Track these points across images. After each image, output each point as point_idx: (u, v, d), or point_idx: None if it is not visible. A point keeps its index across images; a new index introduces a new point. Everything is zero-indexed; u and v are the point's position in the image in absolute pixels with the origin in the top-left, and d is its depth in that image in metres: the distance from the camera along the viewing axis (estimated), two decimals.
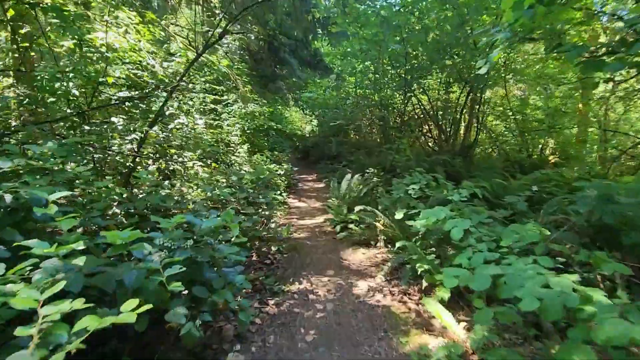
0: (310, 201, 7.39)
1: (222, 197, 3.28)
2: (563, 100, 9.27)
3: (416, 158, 7.35)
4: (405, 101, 9.31)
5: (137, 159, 3.75)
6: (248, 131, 8.21)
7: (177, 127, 6.51)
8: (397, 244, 3.24)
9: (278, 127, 9.37)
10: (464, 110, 8.85)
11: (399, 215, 3.65)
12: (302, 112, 15.92)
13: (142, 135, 3.89)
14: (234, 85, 8.14)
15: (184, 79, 4.45)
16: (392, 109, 12.18)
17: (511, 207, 4.29)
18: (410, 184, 5.11)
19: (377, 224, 4.30)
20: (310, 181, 9.73)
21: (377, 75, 10.16)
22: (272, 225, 3.55)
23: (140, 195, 3.07)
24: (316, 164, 11.94)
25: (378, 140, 13.81)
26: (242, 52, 11.71)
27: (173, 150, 5.03)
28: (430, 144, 9.96)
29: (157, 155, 4.68)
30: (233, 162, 6.12)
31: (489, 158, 9.10)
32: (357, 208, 4.04)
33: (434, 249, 3.50)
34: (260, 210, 3.56)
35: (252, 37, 9.73)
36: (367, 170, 7.37)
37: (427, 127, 10.44)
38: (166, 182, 4.05)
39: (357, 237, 4.53)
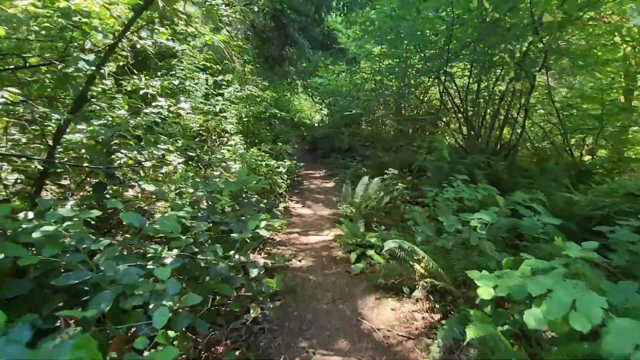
0: (317, 207, 5.93)
1: (168, 230, 1.86)
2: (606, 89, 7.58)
3: (451, 158, 5.82)
4: (440, 86, 7.68)
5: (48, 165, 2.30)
6: (245, 119, 6.71)
7: (155, 110, 5.09)
8: (470, 333, 1.75)
9: (282, 115, 7.84)
10: (502, 103, 7.25)
11: (477, 280, 2.09)
12: (312, 99, 14.32)
13: (59, 124, 2.45)
14: (231, 64, 6.63)
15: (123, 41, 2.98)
16: (413, 98, 10.62)
17: (613, 242, 2.77)
18: (453, 195, 3.63)
19: (416, 264, 2.82)
20: (318, 178, 8.26)
21: (401, 58, 8.55)
22: (254, 273, 2.15)
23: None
24: (325, 158, 10.44)
25: (392, 133, 12.26)
26: (246, 28, 10.18)
27: (133, 141, 3.57)
28: (459, 141, 8.37)
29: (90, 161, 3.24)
30: (218, 159, 4.66)
31: (536, 160, 7.48)
32: (389, 244, 2.56)
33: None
34: (234, 255, 2.11)
35: (255, 9, 8.15)
36: (387, 171, 5.87)
37: (455, 121, 8.83)
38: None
39: (381, 279, 3.06)
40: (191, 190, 2.72)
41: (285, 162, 6.30)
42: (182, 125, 5.89)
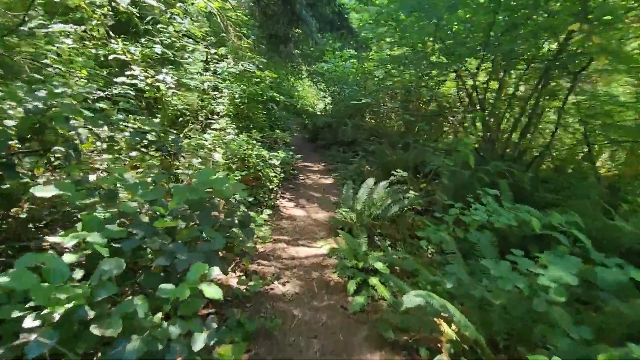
0: (312, 207, 5.07)
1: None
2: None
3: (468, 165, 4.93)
4: (457, 82, 6.76)
5: None
6: (239, 100, 5.78)
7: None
8: None
9: (282, 99, 6.90)
10: (526, 106, 6.37)
11: None
12: (316, 86, 13.31)
13: None
14: (227, 36, 5.66)
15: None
16: (425, 91, 9.68)
17: None
18: (485, 218, 2.78)
19: (443, 325, 1.97)
20: (316, 172, 7.37)
21: (417, 46, 7.57)
22: (198, 344, 1.33)
23: None
24: (326, 150, 9.53)
25: (397, 127, 11.34)
26: (249, 1, 9.14)
27: (80, 117, 2.66)
28: (474, 143, 7.47)
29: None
30: (191, 146, 3.76)
31: (556, 172, 6.60)
32: (412, 298, 1.70)
33: None
34: (161, 322, 1.26)
35: None
36: (395, 172, 5.01)
37: (470, 121, 7.91)
38: None
39: (390, 332, 2.21)
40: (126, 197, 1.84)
41: (279, 152, 5.41)
42: (164, 102, 4.99)
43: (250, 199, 4.51)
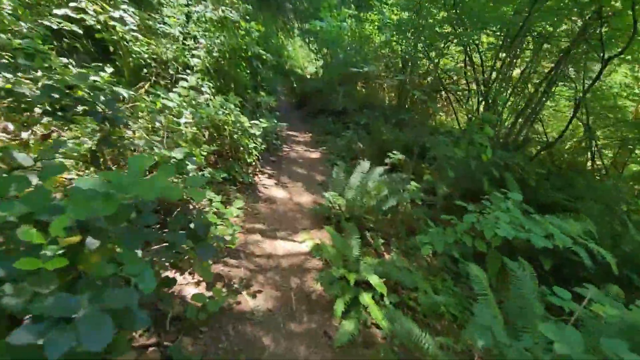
0: (296, 187, 4.39)
1: None
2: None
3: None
4: (464, 57, 6.00)
5: None
6: (217, 54, 4.83)
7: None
8: None
9: (269, 57, 5.93)
10: (537, 91, 5.75)
11: None
12: (308, 47, 12.11)
13: None
14: None
15: None
16: (425, 64, 8.86)
17: None
18: (512, 234, 2.21)
19: None
20: (302, 144, 6.61)
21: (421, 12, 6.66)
22: None
23: None
24: (314, 118, 8.70)
25: (387, 100, 10.54)
26: None
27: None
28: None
29: None
30: (130, 113, 2.91)
31: (567, 168, 6.10)
32: None
33: None
34: None
35: None
36: (391, 154, 4.37)
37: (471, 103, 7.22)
38: None
39: None
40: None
41: (262, 121, 4.60)
42: (123, 48, 4.01)
43: (224, 175, 3.77)
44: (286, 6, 8.97)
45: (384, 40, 7.98)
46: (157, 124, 2.87)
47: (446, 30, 6.94)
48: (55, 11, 3.28)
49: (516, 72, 6.28)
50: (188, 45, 4.52)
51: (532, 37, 5.48)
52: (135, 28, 3.82)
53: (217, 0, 4.68)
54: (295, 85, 11.40)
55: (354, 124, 7.59)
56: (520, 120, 5.96)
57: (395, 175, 3.71)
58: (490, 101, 6.04)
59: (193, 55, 4.77)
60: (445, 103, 9.43)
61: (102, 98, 1.92)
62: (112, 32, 3.71)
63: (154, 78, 4.07)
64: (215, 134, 4.06)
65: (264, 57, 6.11)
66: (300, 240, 3.11)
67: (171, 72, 4.69)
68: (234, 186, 3.78)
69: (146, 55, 4.13)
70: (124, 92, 2.87)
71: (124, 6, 3.75)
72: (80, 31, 3.40)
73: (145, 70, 4.24)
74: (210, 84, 4.80)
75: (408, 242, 3.35)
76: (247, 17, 6.37)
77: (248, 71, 6.33)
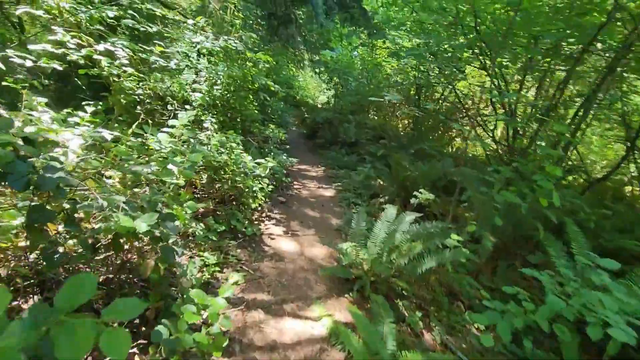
0: (308, 235, 3.69)
1: None
2: None
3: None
4: (486, 79, 5.38)
5: None
6: (219, 87, 4.32)
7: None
8: None
9: (278, 89, 5.43)
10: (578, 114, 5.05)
11: None
12: (318, 76, 11.77)
13: None
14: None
15: None
16: (441, 87, 8.31)
17: None
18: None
19: None
20: (314, 179, 5.97)
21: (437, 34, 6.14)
22: None
23: None
24: (325, 149, 8.11)
25: (401, 127, 9.94)
26: None
27: None
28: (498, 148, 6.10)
29: None
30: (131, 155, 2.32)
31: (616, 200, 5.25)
32: None
33: None
34: None
35: None
36: (418, 194, 3.67)
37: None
38: None
39: None
40: None
41: (269, 159, 3.99)
42: (113, 84, 3.53)
43: (222, 229, 3.12)
44: (296, 38, 8.63)
45: (399, 67, 7.45)
46: (137, 174, 2.27)
47: (465, 56, 6.41)
48: (31, 46, 2.83)
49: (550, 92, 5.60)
50: (187, 78, 4.03)
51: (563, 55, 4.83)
52: (126, 62, 3.34)
53: (220, 30, 4.23)
54: (306, 115, 10.95)
55: (370, 156, 6.96)
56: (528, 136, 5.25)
57: (429, 225, 2.98)
58: (519, 129, 5.36)
59: (194, 90, 4.28)
60: (462, 129, 8.77)
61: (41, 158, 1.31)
62: (101, 68, 3.23)
63: (142, 116, 3.53)
64: (214, 177, 3.46)
65: (273, 88, 5.62)
66: (315, 316, 2.38)
67: (170, 107, 4.19)
68: (234, 241, 3.11)
69: (140, 91, 3.63)
70: (106, 133, 2.33)
71: (114, 39, 3.28)
72: (61, 68, 2.91)
73: (138, 108, 3.73)
74: (213, 119, 4.29)
75: (452, 315, 2.58)
76: (255, 49, 5.97)
77: (256, 104, 5.84)
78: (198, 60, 4.15)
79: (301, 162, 6.73)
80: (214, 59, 4.52)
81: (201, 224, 2.74)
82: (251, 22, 5.75)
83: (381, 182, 5.01)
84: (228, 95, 4.77)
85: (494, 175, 2.95)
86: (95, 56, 2.98)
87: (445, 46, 6.25)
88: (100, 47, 2.96)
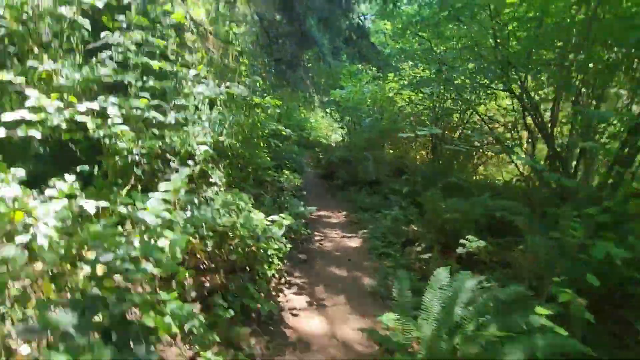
0: (338, 304, 2.98)
1: None
2: None
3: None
4: (513, 100, 4.78)
5: None
6: (225, 136, 3.88)
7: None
8: None
9: (288, 132, 4.97)
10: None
11: None
12: (330, 116, 11.49)
13: None
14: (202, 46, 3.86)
15: None
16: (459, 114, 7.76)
17: None
18: None
19: None
20: (336, 227, 5.32)
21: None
22: None
23: None
24: (345, 190, 7.50)
25: (418, 159, 9.27)
26: (251, 25, 7.59)
27: None
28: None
29: None
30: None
31: None
32: None
33: None
34: None
35: None
36: (465, 241, 2.99)
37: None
38: None
39: None
40: None
41: (285, 215, 3.39)
42: (104, 147, 3.12)
43: (231, 313, 2.46)
44: (305, 80, 8.41)
45: (413, 97, 6.98)
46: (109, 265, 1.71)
47: (482, 80, 5.90)
48: (5, 116, 2.45)
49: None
50: (190, 131, 3.59)
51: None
52: (119, 120, 2.93)
53: (223, 77, 3.85)
54: (321, 156, 10.52)
55: (393, 194, 6.29)
56: (615, 169, 4.44)
57: (500, 293, 2.24)
58: (559, 150, 4.70)
59: (199, 143, 3.83)
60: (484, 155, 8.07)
61: None
62: (86, 130, 2.82)
63: (133, 180, 3.05)
64: (221, 243, 2.88)
65: (284, 133, 5.18)
66: None
67: (173, 165, 3.74)
68: (247, 327, 2.43)
69: (135, 150, 3.20)
70: (90, 205, 1.86)
71: (101, 96, 2.90)
72: (39, 136, 2.50)
73: (135, 169, 3.28)
74: (222, 173, 3.80)
75: None
76: (265, 94, 5.64)
77: (267, 151, 5.39)
78: (200, 110, 3.74)
79: (320, 207, 6.11)
80: (220, 108, 4.14)
81: (201, 316, 2.10)
82: (256, 67, 5.47)
83: (414, 227, 4.30)
84: (237, 144, 4.32)
85: (577, 219, 2.24)
86: (79, 118, 2.57)
87: (468, 66, 5.79)
88: (82, 107, 2.55)
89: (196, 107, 3.75)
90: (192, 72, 3.87)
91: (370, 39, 6.71)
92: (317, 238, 4.73)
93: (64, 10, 3.02)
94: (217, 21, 4.05)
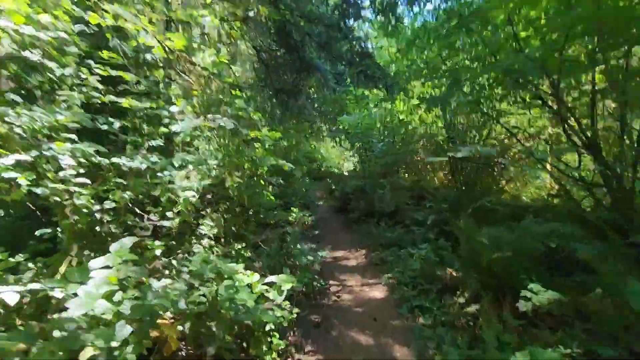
0: None
1: None
2: None
3: None
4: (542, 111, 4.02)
5: None
6: (207, 183, 3.20)
7: None
8: None
9: (291, 168, 4.29)
10: None
11: None
12: (339, 144, 10.88)
13: None
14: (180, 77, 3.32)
15: None
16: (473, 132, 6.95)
17: None
18: None
19: None
20: (354, 271, 4.47)
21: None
22: None
23: None
24: (362, 224, 6.68)
25: (437, 181, 8.38)
26: (247, 58, 7.31)
27: None
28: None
29: None
30: None
31: None
32: None
33: None
34: None
35: (251, 14, 5.02)
36: (527, 294, 2.11)
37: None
38: None
39: None
40: None
41: (286, 276, 2.62)
42: (59, 206, 2.49)
43: None
44: (307, 107, 7.88)
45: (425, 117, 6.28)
46: None
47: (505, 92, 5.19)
48: None
49: None
50: (165, 177, 2.95)
51: None
52: (72, 172, 2.32)
53: (207, 111, 3.25)
54: (333, 187, 9.79)
55: (416, 225, 5.43)
56: None
57: None
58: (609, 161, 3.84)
59: (185, 189, 3.17)
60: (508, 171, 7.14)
61: None
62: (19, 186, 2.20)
63: (91, 245, 2.39)
64: (201, 326, 2.12)
65: (286, 168, 4.50)
66: None
67: (151, 218, 3.08)
68: None
69: (97, 207, 2.56)
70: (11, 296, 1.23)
71: (51, 144, 2.31)
72: None
73: (98, 229, 2.63)
74: (212, 223, 3.11)
75: None
76: (265, 126, 5.08)
77: (271, 189, 4.70)
78: (178, 151, 3.14)
79: (335, 247, 5.31)
80: (206, 145, 3.55)
81: None
82: (253, 100, 4.95)
83: (453, 273, 3.41)
84: (233, 185, 3.65)
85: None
86: (6, 174, 1.97)
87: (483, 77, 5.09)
88: (9, 160, 1.95)
89: (175, 147, 3.15)
90: (174, 108, 3.29)
91: (374, 58, 6.15)
92: (333, 288, 3.89)
93: (29, 54, 2.54)
94: (200, 51, 3.55)
